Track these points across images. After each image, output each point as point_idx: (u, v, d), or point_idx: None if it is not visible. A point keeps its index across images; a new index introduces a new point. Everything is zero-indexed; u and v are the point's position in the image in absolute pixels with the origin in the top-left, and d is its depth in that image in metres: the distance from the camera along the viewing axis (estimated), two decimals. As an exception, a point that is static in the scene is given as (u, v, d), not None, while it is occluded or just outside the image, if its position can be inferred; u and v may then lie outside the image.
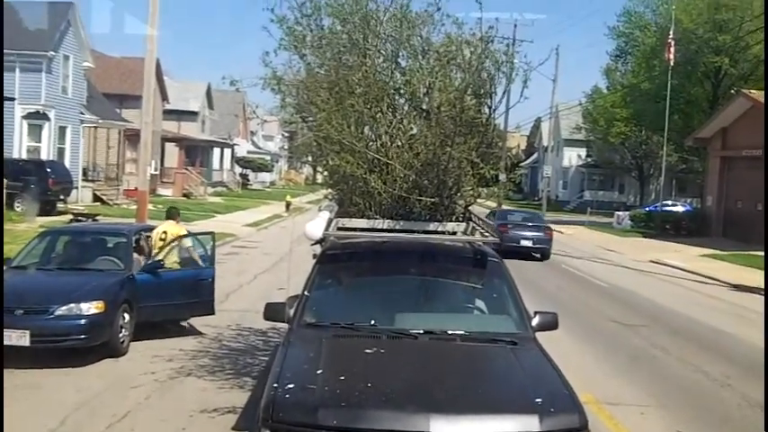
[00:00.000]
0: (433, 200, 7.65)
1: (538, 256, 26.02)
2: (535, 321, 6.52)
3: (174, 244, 12.08)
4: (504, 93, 8.12)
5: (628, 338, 13.58)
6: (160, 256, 11.70)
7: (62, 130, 34.55)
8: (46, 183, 29.07)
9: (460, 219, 8.08)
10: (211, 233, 13.21)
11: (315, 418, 4.75)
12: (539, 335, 6.40)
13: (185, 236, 12.54)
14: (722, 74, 47.56)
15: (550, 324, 6.65)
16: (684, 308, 17.47)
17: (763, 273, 21.29)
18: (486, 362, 5.96)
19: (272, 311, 6.66)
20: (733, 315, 16.92)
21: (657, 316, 16.16)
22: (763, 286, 20.72)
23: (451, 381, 5.46)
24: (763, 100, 33.59)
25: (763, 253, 22.38)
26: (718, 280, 23.02)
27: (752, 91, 36.76)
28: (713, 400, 9.79)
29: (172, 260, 11.99)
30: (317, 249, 7.59)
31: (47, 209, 28.72)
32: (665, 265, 26.89)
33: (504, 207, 24.63)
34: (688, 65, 46.51)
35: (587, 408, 5.36)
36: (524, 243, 25.45)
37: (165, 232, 12.44)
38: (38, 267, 11.39)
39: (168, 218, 13.08)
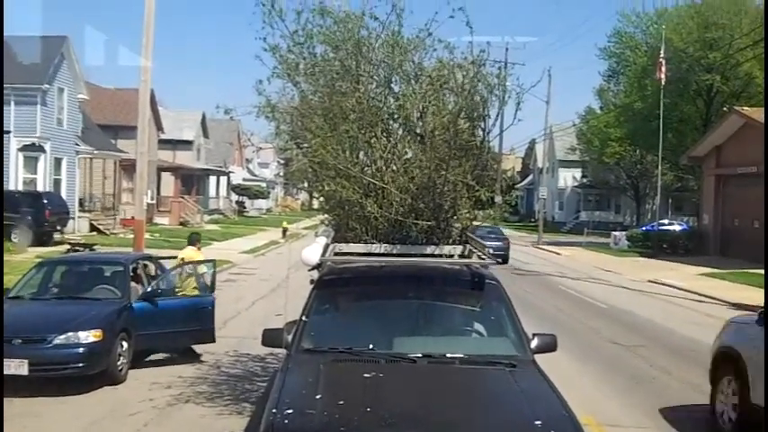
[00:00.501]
0: (429, 223, 7.67)
1: (499, 260, 26.90)
2: (534, 343, 6.51)
3: (189, 271, 12.12)
4: (497, 115, 8.18)
5: (627, 359, 13.55)
6: (177, 284, 11.78)
7: (58, 161, 34.62)
8: (42, 214, 29.09)
9: (457, 241, 8.11)
10: (212, 261, 13.23)
11: (314, 445, 4.73)
12: (538, 357, 6.39)
13: (202, 262, 12.64)
14: (714, 91, 47.88)
15: (549, 346, 6.64)
16: (683, 327, 17.44)
17: (762, 291, 21.29)
18: (486, 385, 5.94)
19: (271, 337, 6.65)
20: (732, 333, 16.88)
21: (656, 336, 16.14)
22: (762, 304, 20.73)
23: (451, 404, 5.45)
24: (756, 117, 33.81)
25: (761, 271, 22.36)
26: (717, 299, 22.99)
27: (744, 108, 36.97)
28: (714, 421, 9.73)
29: (191, 286, 12.02)
30: (315, 275, 7.59)
31: (44, 239, 28.70)
32: (663, 284, 26.88)
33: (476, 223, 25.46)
34: (680, 83, 46.82)
35: (587, 429, 5.35)
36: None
37: (182, 259, 12.54)
38: (35, 297, 11.41)
39: (190, 244, 13.24)
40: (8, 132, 29.99)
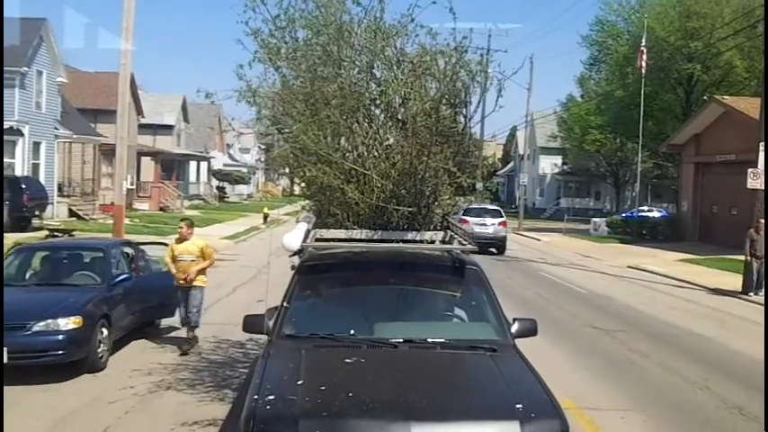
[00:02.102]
0: (410, 209, 7.69)
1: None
2: (514, 328, 6.55)
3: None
4: (479, 102, 8.21)
5: (606, 344, 13.66)
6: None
7: (36, 145, 34.27)
8: (21, 199, 28.79)
9: (438, 227, 8.13)
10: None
11: (296, 430, 4.74)
12: (518, 342, 6.44)
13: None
14: (695, 80, 48.13)
15: (530, 330, 6.68)
16: (662, 312, 17.61)
17: (740, 276, 21.52)
18: (467, 369, 5.97)
19: (252, 324, 6.64)
20: (710, 318, 17.08)
21: (635, 321, 16.28)
22: (740, 289, 20.99)
23: (432, 388, 5.47)
24: (735, 105, 34.07)
25: (739, 257, 22.57)
26: (695, 284, 23.23)
27: (724, 97, 37.20)
28: (692, 404, 9.86)
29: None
30: (296, 261, 7.59)
31: (22, 225, 28.42)
32: (642, 270, 27.09)
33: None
34: (661, 72, 47.03)
35: (567, 413, 5.39)
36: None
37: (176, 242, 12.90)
38: (14, 284, 11.19)
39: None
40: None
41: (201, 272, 11.91)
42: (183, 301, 11.94)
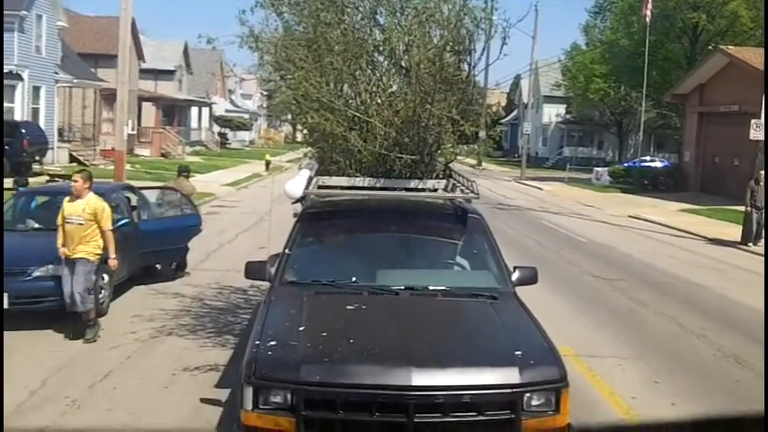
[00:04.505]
0: (413, 157, 7.66)
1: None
2: (515, 276, 6.59)
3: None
4: (483, 50, 8.13)
5: (606, 292, 13.75)
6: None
7: (36, 90, 34.01)
8: (21, 144, 28.65)
9: (441, 176, 8.12)
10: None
11: (297, 375, 4.79)
12: (519, 289, 6.48)
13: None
14: (700, 30, 47.53)
15: (530, 279, 6.72)
16: (661, 262, 17.68)
17: (740, 227, 21.55)
18: (467, 316, 6.02)
19: (254, 270, 6.67)
20: (708, 269, 17.15)
21: (635, 270, 16.35)
22: (739, 240, 21.04)
23: (432, 335, 5.53)
24: (740, 56, 33.73)
25: (740, 208, 22.56)
26: (696, 234, 23.28)
27: (729, 47, 36.80)
28: (689, 352, 9.96)
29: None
30: (298, 208, 7.59)
31: (21, 170, 28.34)
32: (643, 220, 27.10)
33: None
34: (666, 21, 46.42)
35: (566, 360, 5.45)
36: None
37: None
38: (14, 229, 11.13)
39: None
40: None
41: (91, 240, 9.34)
42: (68, 277, 9.35)
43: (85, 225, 9.28)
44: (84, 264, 9.27)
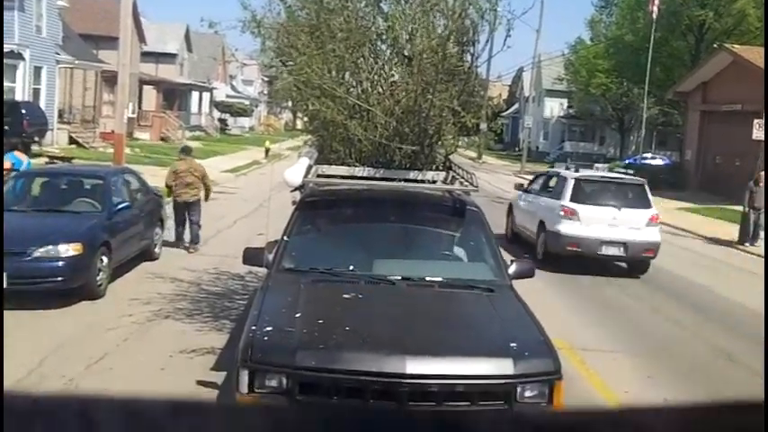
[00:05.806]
0: (413, 148, 7.66)
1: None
2: (512, 269, 6.61)
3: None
4: (486, 41, 8.12)
5: (602, 288, 13.77)
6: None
7: (37, 70, 33.89)
8: (20, 124, 28.58)
9: (441, 168, 8.12)
10: None
11: (293, 360, 4.81)
12: (515, 283, 6.50)
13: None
14: (706, 28, 47.43)
15: (527, 272, 6.74)
16: (658, 259, 17.60)
17: (737, 227, 21.57)
18: (463, 307, 6.05)
19: (252, 256, 6.69)
20: (706, 267, 17.18)
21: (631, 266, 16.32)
22: (736, 239, 21.06)
23: (428, 325, 5.55)
24: (745, 55, 33.65)
25: (739, 207, 22.55)
26: (694, 233, 23.28)
27: (734, 45, 36.71)
28: (684, 349, 9.99)
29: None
30: (297, 196, 7.60)
31: (21, 151, 28.29)
32: (641, 217, 27.04)
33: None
34: (672, 18, 46.31)
35: (560, 353, 5.47)
36: None
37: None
38: (14, 209, 11.09)
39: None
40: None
41: None
42: None
43: None
44: None
